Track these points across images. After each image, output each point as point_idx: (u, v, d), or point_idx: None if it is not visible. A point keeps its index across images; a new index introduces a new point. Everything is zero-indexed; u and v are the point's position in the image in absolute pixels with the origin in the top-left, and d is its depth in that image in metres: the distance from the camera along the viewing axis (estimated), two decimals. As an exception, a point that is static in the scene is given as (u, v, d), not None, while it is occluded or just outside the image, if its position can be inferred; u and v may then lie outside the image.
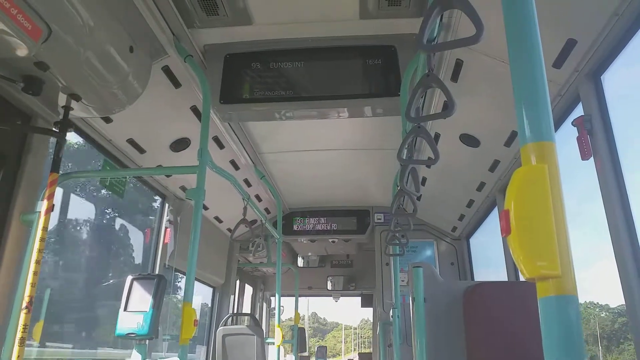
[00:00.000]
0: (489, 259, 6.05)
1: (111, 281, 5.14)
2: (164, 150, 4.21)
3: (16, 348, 2.43)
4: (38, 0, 2.07)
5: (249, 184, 5.65)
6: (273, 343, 5.66)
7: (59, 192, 2.90)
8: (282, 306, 7.91)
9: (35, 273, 2.55)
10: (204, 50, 3.45)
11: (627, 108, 2.77)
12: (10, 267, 2.59)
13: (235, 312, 7.74)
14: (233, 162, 4.99)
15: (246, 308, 8.88)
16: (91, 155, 3.95)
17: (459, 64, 3.19)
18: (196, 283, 2.89)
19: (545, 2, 2.12)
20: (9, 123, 2.66)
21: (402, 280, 5.72)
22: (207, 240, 5.83)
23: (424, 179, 5.21)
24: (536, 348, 1.07)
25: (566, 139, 2.73)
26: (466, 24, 1.61)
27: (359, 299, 9.95)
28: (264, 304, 9.75)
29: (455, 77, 3.29)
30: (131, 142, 3.90)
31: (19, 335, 2.45)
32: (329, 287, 9.20)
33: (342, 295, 10.14)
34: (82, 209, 4.43)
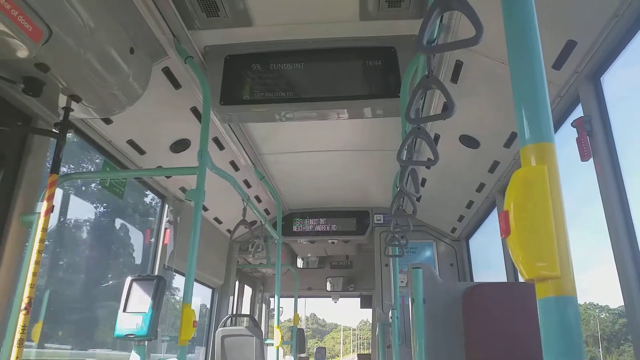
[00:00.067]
0: (488, 260, 6.05)
1: (110, 282, 5.13)
2: (164, 151, 4.21)
3: (15, 349, 2.43)
4: (39, 1, 2.08)
5: (248, 185, 5.65)
6: (272, 344, 5.66)
7: (58, 193, 2.90)
8: (282, 307, 7.90)
9: (34, 274, 2.55)
10: (204, 51, 3.45)
11: (626, 109, 2.77)
12: (10, 268, 2.59)
13: (234, 313, 7.73)
14: (233, 163, 4.99)
15: (245, 309, 8.87)
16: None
17: (458, 66, 3.20)
18: (195, 284, 2.89)
19: (544, 4, 2.12)
20: (9, 124, 2.66)
21: (402, 281, 5.73)
22: (207, 241, 5.84)
23: (424, 180, 5.22)
24: (535, 349, 1.07)
25: (566, 140, 2.74)
26: (466, 25, 1.61)
27: (358, 300, 9.95)
28: (263, 305, 9.74)
29: (455, 78, 3.30)
30: (131, 143, 3.90)
31: (17, 336, 2.44)
32: (329, 288, 9.20)
33: (341, 297, 10.14)
34: (80, 210, 4.42)
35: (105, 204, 4.82)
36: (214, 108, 3.38)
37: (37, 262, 2.58)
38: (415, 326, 2.96)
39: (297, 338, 7.10)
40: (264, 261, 6.94)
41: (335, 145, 4.99)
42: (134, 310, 3.02)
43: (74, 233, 4.57)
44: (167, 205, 5.05)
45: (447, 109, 1.87)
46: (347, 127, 4.55)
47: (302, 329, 8.40)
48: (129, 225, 5.39)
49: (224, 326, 6.38)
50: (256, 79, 3.41)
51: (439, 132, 4.14)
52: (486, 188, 4.66)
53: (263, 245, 5.72)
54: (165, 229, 4.99)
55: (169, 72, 3.40)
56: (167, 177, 4.67)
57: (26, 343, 2.49)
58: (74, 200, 4.29)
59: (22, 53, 2.14)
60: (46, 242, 2.67)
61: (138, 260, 5.35)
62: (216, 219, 6.08)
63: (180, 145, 4.23)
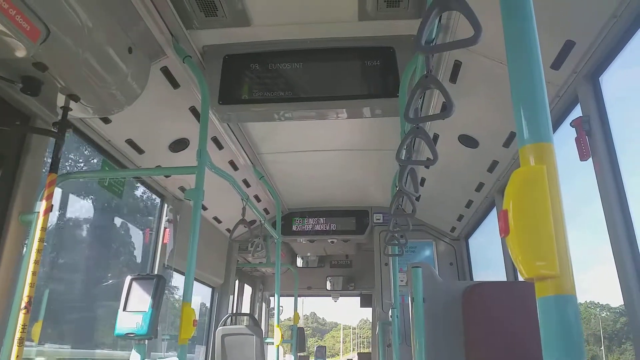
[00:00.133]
0: (487, 259, 6.06)
1: (110, 281, 5.13)
2: (163, 150, 4.21)
3: (15, 348, 2.43)
4: (36, 1, 2.07)
5: (247, 185, 5.65)
6: (272, 343, 5.66)
7: (57, 192, 2.90)
8: (281, 306, 7.91)
9: (34, 273, 2.55)
10: (202, 51, 3.45)
11: (625, 109, 2.77)
12: (9, 267, 2.59)
13: (234, 312, 7.74)
14: (232, 163, 4.99)
15: (245, 308, 8.87)
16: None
17: (457, 65, 3.20)
18: (195, 283, 2.90)
19: (543, 4, 2.12)
20: (7, 123, 2.66)
21: (401, 281, 5.73)
22: (206, 240, 5.84)
23: (423, 180, 5.22)
24: (535, 348, 1.07)
25: (565, 139, 2.74)
26: (464, 25, 1.61)
27: (358, 299, 9.96)
28: (263, 304, 9.75)
29: (453, 78, 3.30)
30: (130, 142, 3.90)
31: (17, 335, 2.45)
32: (328, 287, 9.20)
33: (341, 296, 10.15)
34: (79, 208, 4.42)
35: (104, 203, 4.81)
36: (212, 108, 3.38)
37: (36, 262, 2.58)
38: (415, 325, 2.97)
39: (297, 337, 7.10)
40: (264, 260, 6.94)
41: (335, 145, 4.99)
42: (134, 309, 3.03)
43: (73, 232, 4.57)
44: (166, 205, 5.05)
45: (446, 109, 1.87)
46: (346, 126, 4.55)
47: (302, 327, 8.42)
48: (128, 224, 5.39)
49: (224, 325, 6.38)
50: (255, 79, 3.41)
51: (437, 132, 4.14)
52: (485, 187, 4.66)
53: (262, 245, 5.73)
54: (165, 228, 4.99)
55: (167, 72, 3.39)
56: (166, 176, 4.67)
57: (26, 342, 2.49)
58: (72, 199, 4.29)
59: (20, 52, 2.13)
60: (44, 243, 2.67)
61: (137, 260, 5.35)
62: (215, 219, 6.08)
63: (179, 145, 4.23)
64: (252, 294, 9.28)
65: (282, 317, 8.76)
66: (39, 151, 2.83)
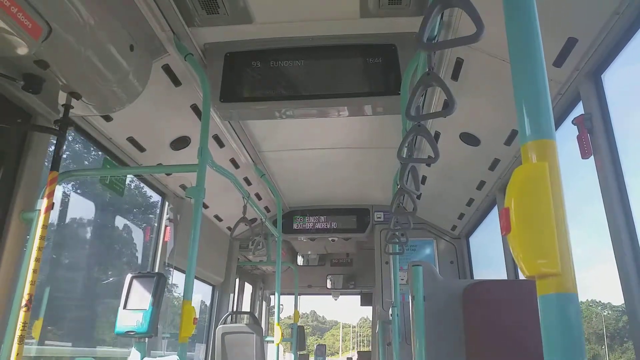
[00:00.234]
0: (488, 257, 6.05)
1: (110, 279, 5.14)
2: (164, 148, 4.21)
3: (15, 346, 2.43)
4: None
5: (249, 183, 5.65)
6: (272, 341, 5.67)
7: (58, 190, 2.91)
8: (282, 305, 7.92)
9: (34, 271, 2.56)
10: (204, 48, 3.44)
11: (627, 107, 2.77)
12: (10, 265, 2.59)
13: (234, 310, 7.74)
14: (233, 161, 4.99)
15: (246, 306, 8.88)
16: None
17: (459, 63, 3.19)
18: (195, 281, 2.90)
19: (545, 1, 2.12)
20: (9, 121, 2.66)
21: (402, 279, 5.73)
22: (207, 238, 5.84)
23: (424, 178, 5.22)
24: (536, 346, 1.07)
25: (567, 137, 2.74)
26: (466, 22, 1.61)
27: (358, 297, 9.96)
28: (264, 303, 9.76)
29: (455, 75, 3.29)
30: (131, 140, 3.90)
31: (18, 333, 2.45)
32: (329, 285, 9.21)
33: (341, 294, 10.16)
34: (80, 206, 4.42)
35: (105, 201, 4.82)
36: (214, 105, 3.37)
37: (37, 259, 2.58)
38: (416, 324, 2.96)
39: (297, 335, 7.11)
40: (264, 259, 6.94)
41: (336, 143, 4.99)
42: (134, 307, 3.04)
43: (74, 230, 4.58)
44: (167, 203, 5.06)
45: (448, 107, 1.87)
46: (347, 124, 4.55)
47: (302, 326, 8.42)
48: (129, 223, 5.40)
49: (224, 323, 6.38)
50: (256, 76, 3.41)
51: (439, 130, 4.13)
52: (486, 186, 4.66)
53: (263, 243, 5.73)
54: (166, 226, 4.99)
55: (168, 70, 3.39)
56: (168, 174, 4.67)
57: (26, 340, 2.50)
58: (73, 197, 4.29)
59: (22, 50, 2.14)
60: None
61: (138, 258, 5.36)
62: (216, 217, 6.08)
63: (180, 143, 4.23)
64: (252, 292, 9.29)
65: (282, 316, 8.77)
66: (40, 149, 2.83)
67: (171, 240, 4.92)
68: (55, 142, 2.81)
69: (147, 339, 3.08)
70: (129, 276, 3.17)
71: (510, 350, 2.70)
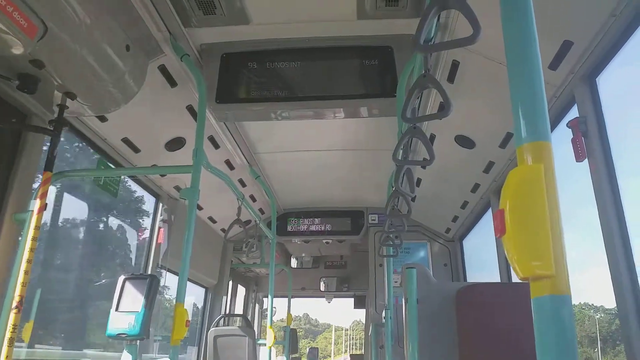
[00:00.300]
0: (482, 260, 6.07)
1: (103, 281, 5.11)
2: (159, 149, 4.20)
3: (5, 348, 2.41)
4: None
5: (243, 184, 5.64)
6: (265, 344, 5.65)
7: (52, 191, 2.89)
8: (275, 307, 7.91)
9: (26, 272, 2.53)
10: (200, 49, 3.44)
11: (622, 110, 2.79)
12: (2, 266, 2.57)
13: (227, 313, 7.71)
14: (228, 162, 4.98)
15: (238, 309, 8.85)
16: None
17: (455, 65, 3.21)
18: (188, 283, 2.89)
19: (542, 4, 2.13)
20: (3, 121, 2.64)
21: (396, 282, 5.73)
22: (201, 240, 5.82)
23: (419, 180, 5.23)
24: (529, 349, 1.07)
25: (561, 140, 2.75)
26: (463, 24, 1.62)
27: (351, 300, 9.95)
28: (257, 305, 9.73)
29: (451, 78, 3.31)
30: (126, 141, 3.88)
31: (8, 335, 2.42)
32: (322, 288, 9.19)
33: (335, 297, 10.14)
34: (70, 206, 4.39)
35: (98, 202, 4.79)
36: (209, 106, 3.37)
37: (29, 261, 2.56)
38: (409, 326, 2.96)
39: (289, 338, 7.09)
40: (258, 261, 6.92)
41: (331, 145, 4.99)
42: (126, 309, 3.01)
43: (66, 231, 4.54)
44: (161, 204, 5.03)
45: (444, 109, 1.88)
46: (343, 126, 4.55)
47: (295, 329, 8.41)
48: (122, 224, 5.37)
49: (216, 326, 6.36)
50: (252, 78, 3.41)
51: (434, 132, 4.15)
52: (481, 188, 4.67)
53: (257, 245, 5.72)
54: (159, 227, 4.97)
55: (164, 70, 3.38)
56: (162, 175, 4.66)
57: (16, 343, 2.47)
58: (66, 197, 4.26)
59: (17, 49, 2.13)
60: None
61: (132, 259, 5.33)
62: (210, 218, 6.06)
63: (175, 144, 4.21)
64: (245, 295, 9.26)
65: (275, 319, 8.76)
66: (34, 149, 2.81)
67: (165, 241, 4.89)
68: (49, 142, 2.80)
69: (138, 341, 3.05)
70: (121, 278, 3.15)
71: (504, 353, 2.70)
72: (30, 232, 2.61)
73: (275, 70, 3.40)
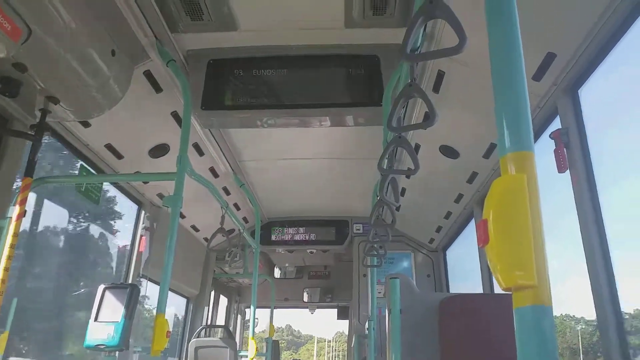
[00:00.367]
0: (464, 271, 6.10)
1: (82, 290, 5.01)
2: (143, 156, 4.15)
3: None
4: (19, 0, 2.04)
5: (227, 192, 5.60)
6: (246, 356, 5.59)
7: (31, 197, 2.83)
8: (257, 318, 7.85)
9: (3, 281, 2.47)
10: (186, 55, 3.42)
11: (603, 122, 2.84)
12: (-22, 274, 2.50)
13: (209, 323, 7.62)
14: (212, 170, 4.95)
15: (220, 320, 8.75)
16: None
17: (440, 75, 3.24)
18: (169, 293, 2.85)
19: (526, 15, 2.17)
20: (-17, 124, 2.59)
21: (379, 292, 5.73)
22: (183, 249, 5.75)
23: (403, 190, 5.25)
24: (511, 359, 1.08)
25: (544, 151, 2.79)
26: (449, 34, 1.64)
27: (335, 311, 9.91)
28: (239, 316, 9.63)
29: (436, 88, 3.34)
30: (109, 147, 3.83)
31: (-19, 346, 2.36)
32: (305, 299, 9.14)
33: (318, 307, 10.09)
34: (49, 212, 4.30)
35: (78, 209, 4.71)
36: (194, 113, 3.35)
37: (6, 269, 2.50)
38: (392, 337, 2.96)
39: (271, 350, 7.03)
40: (241, 271, 6.86)
41: (317, 153, 4.99)
42: (106, 319, 2.95)
43: (43, 238, 4.45)
44: (143, 212, 4.97)
45: (429, 118, 1.89)
46: (328, 135, 4.56)
47: (277, 340, 8.34)
48: (103, 231, 5.28)
49: (197, 337, 6.28)
50: (239, 85, 3.40)
51: (419, 142, 4.17)
52: (464, 199, 4.71)
53: (240, 255, 5.66)
54: (141, 235, 4.90)
55: (150, 76, 3.35)
56: (145, 182, 4.60)
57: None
58: (45, 203, 4.18)
59: (0, 52, 2.09)
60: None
61: (113, 268, 5.24)
62: (193, 227, 6.00)
63: (159, 151, 4.17)
64: (227, 306, 9.16)
65: (257, 330, 8.67)
66: (14, 154, 2.76)
67: (146, 250, 4.82)
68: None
69: (117, 352, 2.99)
70: (101, 287, 3.09)
71: (486, 363, 2.71)
72: (9, 240, 2.56)
73: (262, 77, 3.40)
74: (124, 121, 3.63)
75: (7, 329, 3.01)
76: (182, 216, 5.42)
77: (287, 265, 9.07)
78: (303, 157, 5.08)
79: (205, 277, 6.82)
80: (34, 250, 4.30)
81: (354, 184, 5.75)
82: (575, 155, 2.62)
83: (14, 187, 2.81)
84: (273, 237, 6.91)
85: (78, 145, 3.64)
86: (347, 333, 9.33)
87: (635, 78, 2.80)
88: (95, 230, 5.15)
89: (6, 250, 2.52)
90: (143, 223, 4.94)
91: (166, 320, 2.65)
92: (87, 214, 4.86)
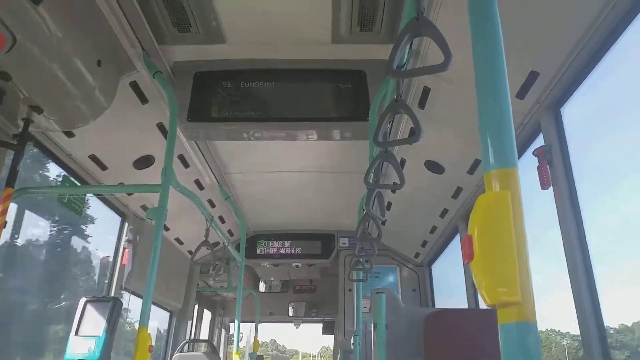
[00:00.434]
0: (450, 286, 6.11)
1: (63, 303, 4.90)
2: (127, 167, 4.11)
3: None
4: (3, 8, 2.02)
5: (212, 205, 5.56)
6: (231, 370, 5.51)
7: (12, 207, 2.78)
8: (241, 333, 7.75)
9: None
10: (173, 66, 3.41)
11: (585, 140, 2.89)
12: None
13: (192, 338, 7.50)
14: (197, 182, 4.91)
15: (204, 334, 8.63)
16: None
17: (426, 91, 3.27)
18: (152, 307, 2.80)
19: (510, 35, 2.20)
20: (-37, 133, 2.55)
21: (365, 307, 5.70)
22: (167, 262, 5.68)
23: (389, 204, 5.26)
24: (496, 375, 1.07)
25: (527, 168, 2.82)
26: (435, 51, 1.66)
27: (320, 325, 9.84)
28: (223, 330, 9.51)
29: (422, 104, 3.37)
30: (93, 158, 3.79)
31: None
32: (291, 313, 9.07)
33: (303, 322, 10.02)
34: (28, 223, 4.22)
35: (57, 220, 4.62)
36: (180, 125, 3.33)
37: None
38: (377, 352, 2.94)
39: (256, 365, 6.93)
40: (225, 284, 6.79)
41: (303, 167, 4.99)
42: (86, 333, 2.90)
43: (22, 249, 4.36)
44: (127, 224, 4.90)
45: (415, 134, 1.91)
46: (314, 148, 4.56)
47: (262, 355, 8.25)
48: (84, 243, 5.19)
49: (181, 351, 6.18)
50: (225, 97, 3.39)
51: (405, 157, 4.20)
52: (449, 214, 4.73)
53: (225, 268, 5.60)
54: (124, 248, 4.82)
55: (136, 87, 3.33)
56: (129, 194, 4.55)
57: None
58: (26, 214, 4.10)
59: (-17, 60, 2.07)
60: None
61: (95, 281, 5.15)
62: (177, 240, 5.93)
63: (144, 162, 4.13)
64: (211, 320, 9.05)
65: (241, 344, 8.55)
66: None
67: (129, 263, 4.75)
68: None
69: (98, 367, 2.93)
70: (82, 300, 3.04)
71: (471, 378, 2.70)
72: (-13, 250, 2.50)
73: (249, 90, 3.40)
74: (108, 132, 3.59)
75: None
76: (166, 228, 5.36)
77: (272, 279, 9.00)
78: (289, 170, 5.07)
79: (189, 290, 6.73)
80: (15, 262, 4.22)
81: (340, 198, 5.75)
82: (557, 171, 2.65)
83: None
84: (258, 251, 6.86)
85: (61, 155, 3.59)
86: (332, 348, 9.26)
87: (616, 96, 2.86)
88: (76, 241, 5.06)
89: (-16, 262, 2.47)
90: (126, 235, 4.87)
91: (149, 334, 2.61)
92: (67, 225, 4.77)
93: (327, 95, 3.39)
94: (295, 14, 2.99)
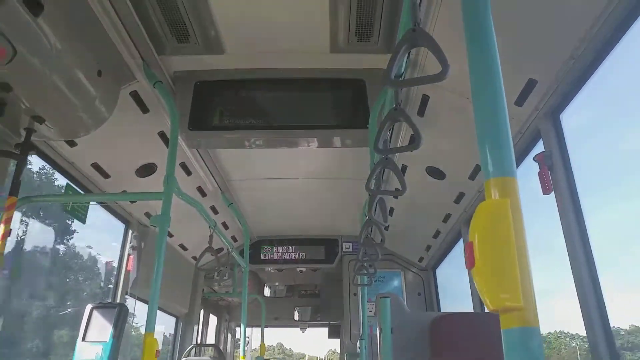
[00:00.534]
0: (455, 289, 6.09)
1: (69, 310, 4.93)
2: (130, 175, 4.12)
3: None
4: (3, 20, 2.04)
5: (215, 212, 5.57)
6: (237, 375, 5.51)
7: (17, 216, 2.80)
8: (248, 337, 7.75)
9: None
10: (173, 76, 3.43)
11: (585, 145, 2.88)
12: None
13: (198, 342, 7.51)
14: (200, 189, 4.92)
15: (210, 339, 8.63)
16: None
17: (425, 100, 3.27)
18: (158, 312, 2.81)
19: (508, 43, 2.21)
20: (-34, 144, 2.57)
21: (370, 311, 5.69)
22: (171, 268, 5.69)
23: (392, 210, 5.26)
24: (502, 378, 1.07)
25: (529, 173, 2.82)
26: (432, 61, 1.66)
27: (326, 329, 9.82)
28: (229, 335, 9.51)
29: (421, 111, 3.37)
30: (96, 166, 3.81)
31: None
32: (296, 317, 9.05)
33: (309, 326, 9.99)
34: (33, 232, 4.25)
35: (60, 226, 4.65)
36: (181, 133, 3.34)
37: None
38: (383, 356, 2.94)
39: (263, 369, 6.92)
40: (230, 289, 6.79)
41: (305, 173, 5.00)
42: (93, 339, 2.92)
43: (29, 257, 4.39)
44: (131, 231, 4.92)
45: (414, 141, 1.91)
46: (317, 155, 4.57)
47: (268, 359, 8.23)
48: (89, 250, 5.22)
49: (187, 356, 6.18)
50: (226, 106, 3.41)
51: (406, 163, 4.20)
52: (452, 218, 4.72)
53: (229, 274, 5.61)
54: (129, 255, 4.84)
55: (137, 96, 3.35)
56: (132, 202, 4.56)
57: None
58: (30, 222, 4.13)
59: (-16, 72, 2.08)
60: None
61: (101, 287, 5.17)
62: (181, 246, 5.94)
63: (146, 170, 4.15)
64: (217, 324, 9.05)
65: (248, 348, 8.54)
66: None
67: (134, 269, 4.76)
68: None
69: (105, 373, 2.94)
70: (88, 306, 3.05)
71: (477, 382, 2.69)
72: (-7, 259, 2.52)
73: (249, 99, 3.41)
74: (110, 140, 3.61)
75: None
76: (170, 235, 5.37)
77: (277, 284, 9.01)
78: (291, 177, 5.08)
79: (194, 295, 6.74)
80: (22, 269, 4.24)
81: (342, 204, 5.75)
82: (559, 177, 2.64)
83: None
84: (262, 256, 6.86)
85: (64, 164, 3.61)
86: (339, 351, 9.24)
87: (614, 101, 2.86)
88: (81, 247, 5.09)
89: (-10, 269, 2.49)
90: (130, 242, 4.89)
91: (155, 339, 2.62)
92: (72, 231, 4.80)
93: (327, 103, 3.40)
94: (293, 25, 3.01)
